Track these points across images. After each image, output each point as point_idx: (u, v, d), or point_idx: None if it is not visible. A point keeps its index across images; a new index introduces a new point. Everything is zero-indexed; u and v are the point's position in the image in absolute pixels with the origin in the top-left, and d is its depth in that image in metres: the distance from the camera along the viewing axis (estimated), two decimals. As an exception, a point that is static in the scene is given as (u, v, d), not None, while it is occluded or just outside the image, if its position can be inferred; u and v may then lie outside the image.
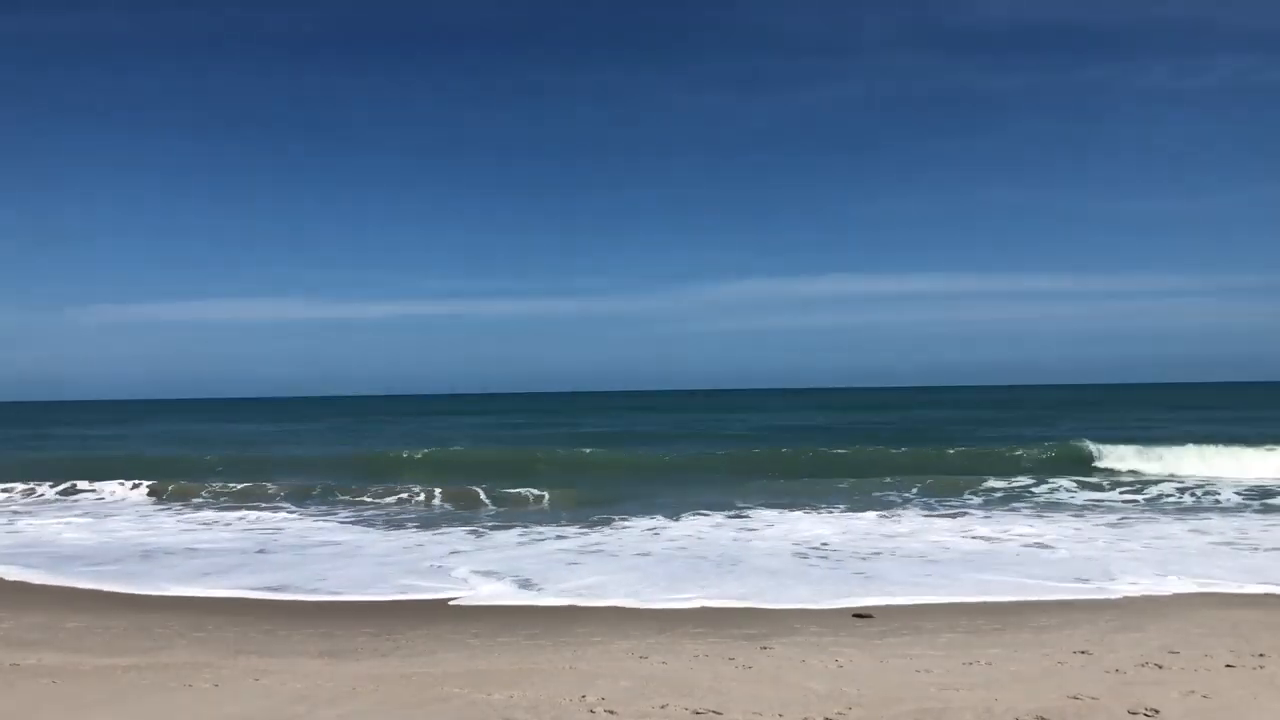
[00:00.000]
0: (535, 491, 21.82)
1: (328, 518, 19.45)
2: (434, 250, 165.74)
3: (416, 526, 18.08)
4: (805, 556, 14.05)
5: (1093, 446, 28.09)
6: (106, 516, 20.27)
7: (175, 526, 18.73)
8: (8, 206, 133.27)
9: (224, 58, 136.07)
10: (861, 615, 10.21)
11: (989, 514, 18.62)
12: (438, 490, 22.47)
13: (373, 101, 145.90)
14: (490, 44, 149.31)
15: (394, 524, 18.50)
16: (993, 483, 22.76)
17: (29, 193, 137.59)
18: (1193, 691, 6.55)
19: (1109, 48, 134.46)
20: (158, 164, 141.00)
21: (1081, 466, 26.50)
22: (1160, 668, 7.33)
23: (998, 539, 15.55)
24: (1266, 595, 11.06)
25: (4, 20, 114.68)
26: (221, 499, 23.02)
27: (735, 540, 15.65)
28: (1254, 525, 16.46)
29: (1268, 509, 18.74)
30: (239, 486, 24.01)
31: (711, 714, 6.16)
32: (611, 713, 6.22)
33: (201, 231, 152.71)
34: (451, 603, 11.27)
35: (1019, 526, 16.82)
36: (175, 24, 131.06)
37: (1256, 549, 14.07)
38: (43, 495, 24.36)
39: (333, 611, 10.97)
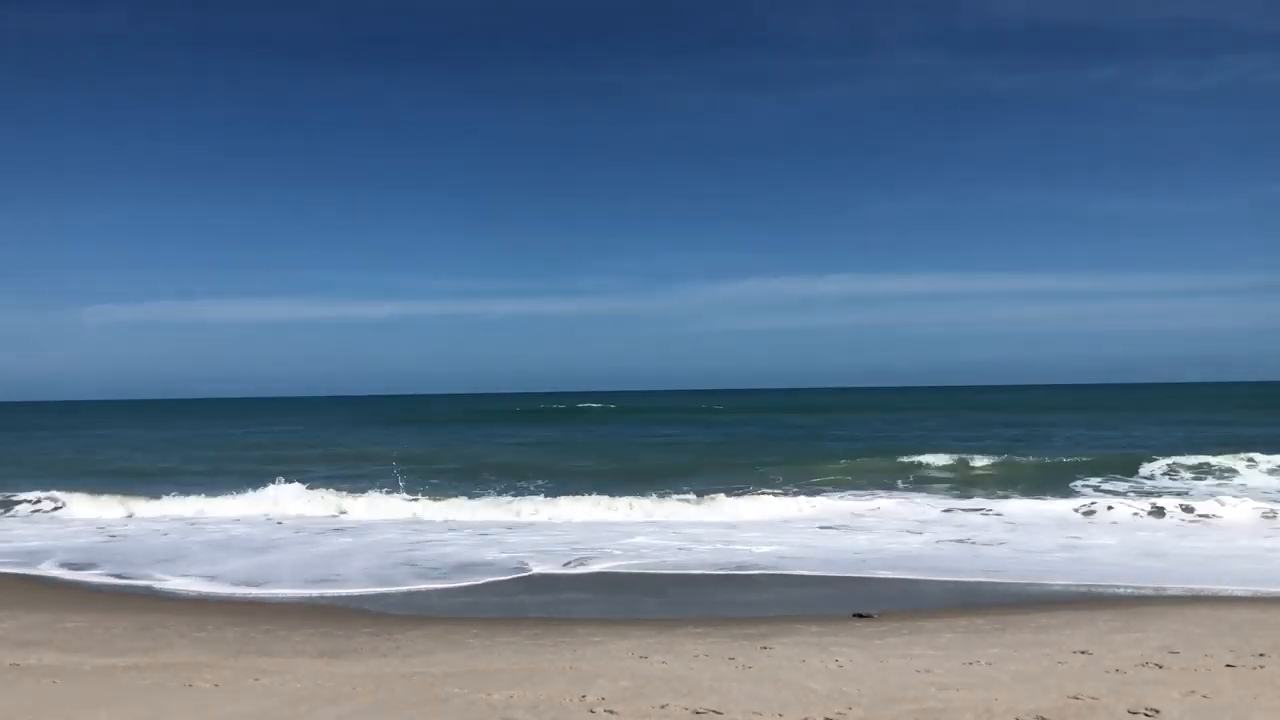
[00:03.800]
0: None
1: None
2: (436, 251, 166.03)
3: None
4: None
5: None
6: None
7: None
8: (9, 206, 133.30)
9: (224, 58, 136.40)
10: (862, 615, 10.21)
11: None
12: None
13: (374, 102, 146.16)
14: (494, 44, 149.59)
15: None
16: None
17: (30, 193, 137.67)
18: (1193, 691, 6.54)
19: (1118, 48, 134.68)
20: (158, 164, 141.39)
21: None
22: (1160, 668, 7.32)
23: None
24: (1266, 595, 11.06)
25: (4, 20, 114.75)
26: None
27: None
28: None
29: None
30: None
31: (711, 714, 6.16)
32: (611, 713, 6.21)
33: (202, 232, 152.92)
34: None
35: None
36: (176, 24, 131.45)
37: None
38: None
39: (333, 612, 10.98)
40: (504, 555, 14.64)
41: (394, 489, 22.16)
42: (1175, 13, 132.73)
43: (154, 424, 73.30)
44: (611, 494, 20.72)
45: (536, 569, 13.61)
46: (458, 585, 12.65)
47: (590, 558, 14.36)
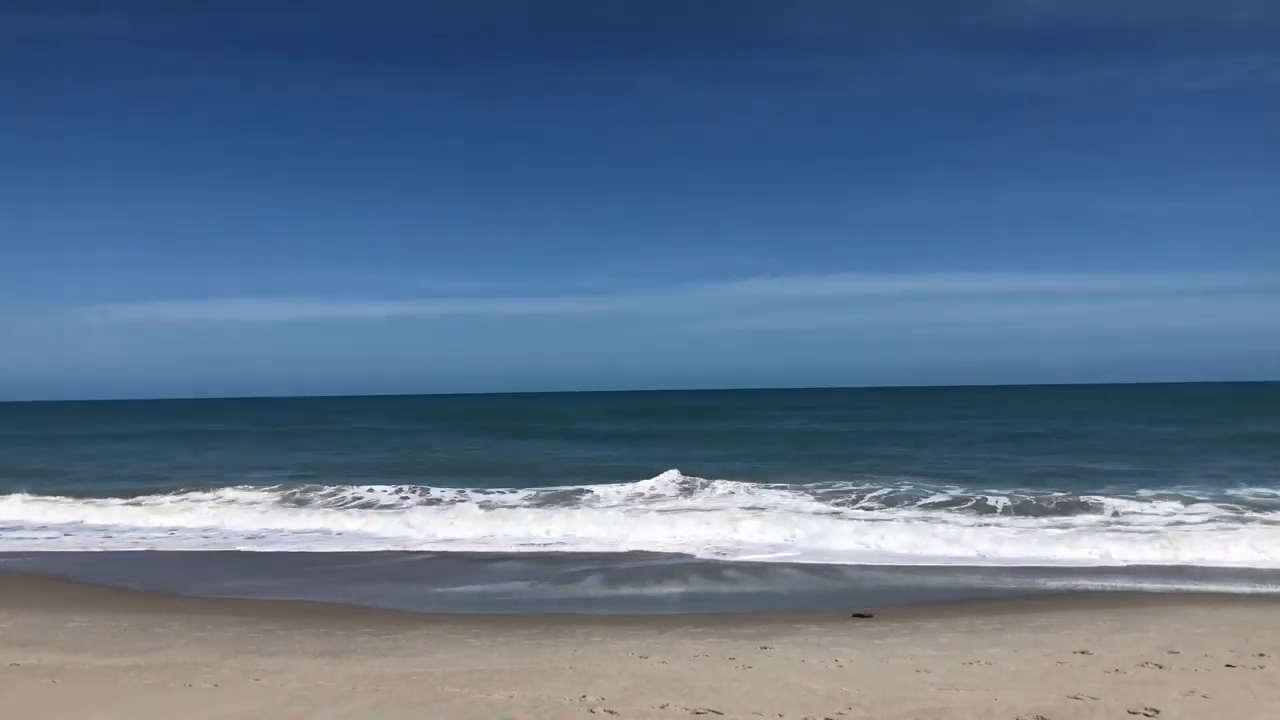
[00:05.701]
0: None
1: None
2: (436, 251, 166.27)
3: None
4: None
5: None
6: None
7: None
8: (9, 207, 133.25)
9: (224, 58, 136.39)
10: (861, 615, 10.21)
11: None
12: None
13: (375, 102, 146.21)
14: (496, 45, 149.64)
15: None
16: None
17: (30, 193, 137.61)
18: (1193, 691, 6.54)
19: (1120, 49, 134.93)
20: (159, 164, 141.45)
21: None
22: (1160, 668, 7.32)
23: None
24: (1267, 595, 11.07)
25: (4, 20, 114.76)
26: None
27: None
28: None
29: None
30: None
31: (711, 714, 6.16)
32: (611, 713, 6.21)
33: (203, 232, 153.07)
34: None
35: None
36: (177, 24, 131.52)
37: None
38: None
39: (333, 611, 10.97)
40: None
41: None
42: (1177, 13, 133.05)
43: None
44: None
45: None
46: None
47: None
